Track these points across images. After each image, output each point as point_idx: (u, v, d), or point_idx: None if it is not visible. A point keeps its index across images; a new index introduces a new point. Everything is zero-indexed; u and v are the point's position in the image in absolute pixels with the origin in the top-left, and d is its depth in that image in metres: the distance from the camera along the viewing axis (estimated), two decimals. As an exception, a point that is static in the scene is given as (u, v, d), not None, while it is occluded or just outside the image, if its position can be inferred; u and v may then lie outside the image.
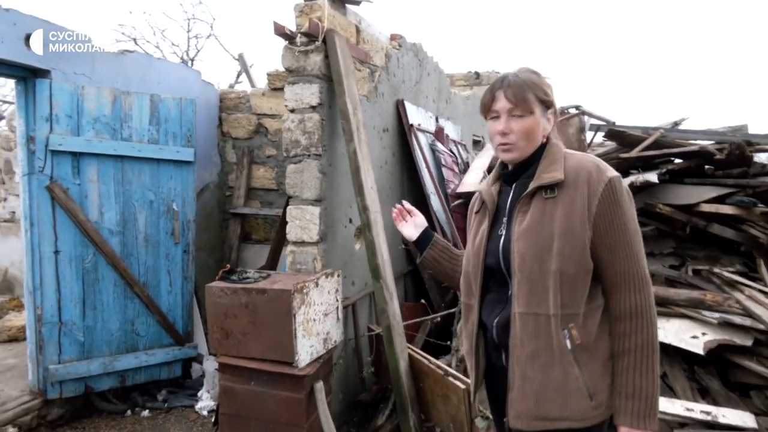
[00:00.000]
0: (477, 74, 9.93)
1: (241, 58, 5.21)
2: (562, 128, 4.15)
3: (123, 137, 3.44)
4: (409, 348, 3.00)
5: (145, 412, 3.51)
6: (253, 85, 5.37)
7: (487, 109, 1.47)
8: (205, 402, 3.53)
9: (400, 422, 2.86)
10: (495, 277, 1.49)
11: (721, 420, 2.77)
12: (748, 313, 2.97)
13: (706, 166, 4.08)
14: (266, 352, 2.57)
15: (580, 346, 1.34)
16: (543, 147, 1.47)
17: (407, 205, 1.87)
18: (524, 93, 1.41)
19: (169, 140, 3.64)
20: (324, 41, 2.89)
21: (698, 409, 2.76)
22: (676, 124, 4.65)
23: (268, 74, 4.69)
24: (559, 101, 1.52)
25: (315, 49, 2.86)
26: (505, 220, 1.48)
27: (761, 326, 2.87)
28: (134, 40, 11.18)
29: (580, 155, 1.45)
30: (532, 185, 1.41)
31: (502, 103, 1.42)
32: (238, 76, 13.33)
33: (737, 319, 2.98)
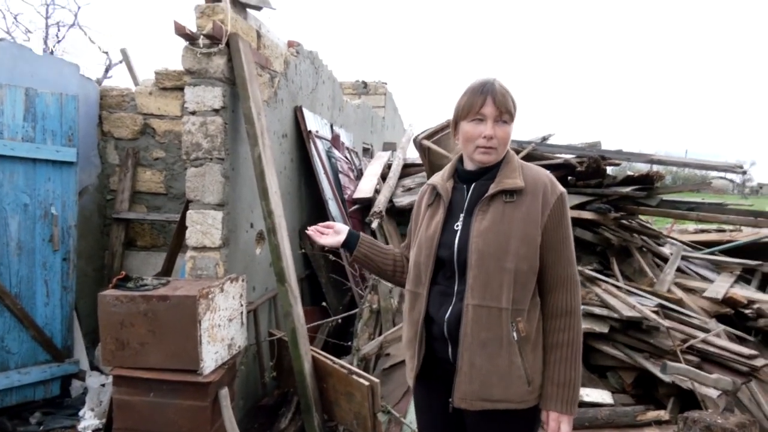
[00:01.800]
0: (365, 83, 10.20)
1: (123, 54, 4.89)
2: (450, 139, 4.47)
3: (-9, 134, 3.11)
4: (312, 350, 3.07)
5: (17, 438, 3.18)
6: (136, 82, 5.06)
7: (474, 111, 1.51)
8: (89, 421, 3.28)
9: (304, 423, 2.92)
10: (444, 269, 1.58)
11: (585, 398, 3.19)
12: (605, 305, 3.45)
13: (569, 177, 4.65)
14: (167, 361, 2.49)
15: (524, 338, 1.48)
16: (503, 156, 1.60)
17: (320, 225, 1.87)
18: (509, 102, 1.52)
19: (48, 139, 3.34)
20: (227, 44, 2.87)
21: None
22: (544, 138, 5.21)
23: (157, 73, 4.47)
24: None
25: (218, 51, 2.83)
26: (462, 216, 1.57)
27: (615, 315, 3.35)
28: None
29: (534, 167, 1.59)
30: (493, 188, 1.52)
31: (490, 109, 1.50)
32: (106, 71, 12.30)
33: (596, 310, 3.45)
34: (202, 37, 2.80)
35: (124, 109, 4.55)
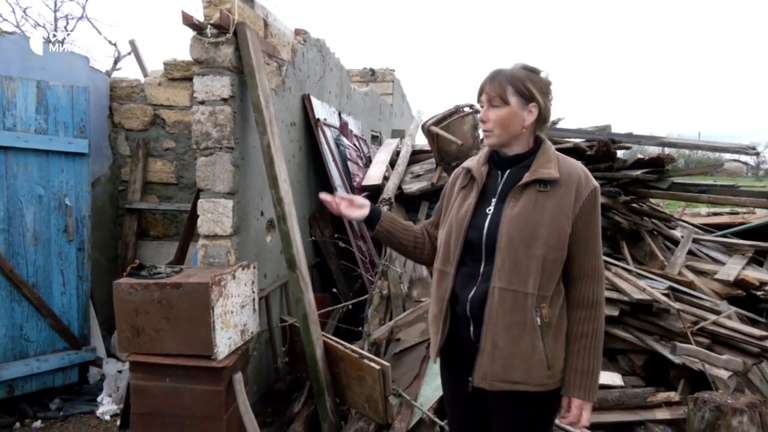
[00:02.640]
0: (372, 71, 10.16)
1: (132, 45, 4.92)
2: (458, 125, 4.47)
3: (6, 126, 3.15)
4: (323, 335, 3.11)
5: (38, 423, 3.27)
6: (145, 74, 5.10)
7: (477, 98, 1.63)
8: (107, 406, 3.36)
9: (317, 407, 2.97)
10: (472, 251, 1.61)
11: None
12: (615, 288, 3.46)
13: (579, 161, 4.61)
14: (182, 347, 2.54)
15: (547, 324, 1.52)
16: (539, 145, 1.62)
17: (340, 197, 1.83)
18: (503, 86, 1.56)
19: (60, 130, 3.39)
20: (235, 34, 2.88)
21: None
22: (554, 123, 5.18)
23: (165, 63, 4.50)
24: (555, 97, 1.66)
25: (226, 41, 2.84)
26: (494, 200, 1.61)
27: (626, 298, 3.35)
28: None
29: (570, 160, 1.62)
30: (527, 176, 1.55)
31: (484, 95, 1.59)
32: (115, 63, 12.34)
33: (607, 294, 3.45)
34: (209, 26, 2.81)
35: (134, 100, 4.59)
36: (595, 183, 1.58)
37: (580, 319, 1.56)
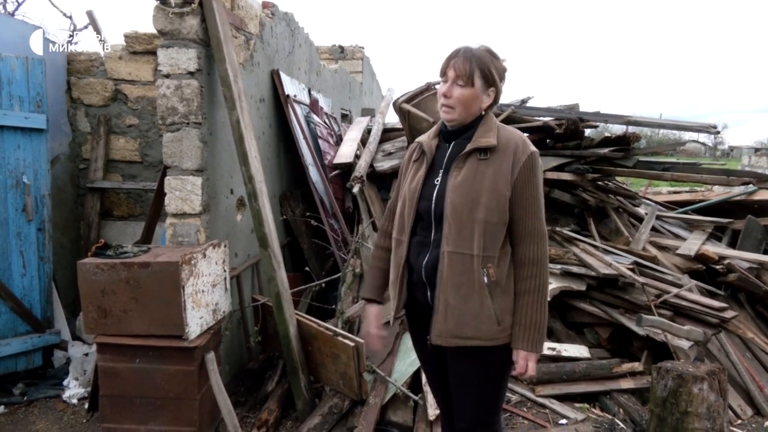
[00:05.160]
0: (341, 48, 10.00)
1: (90, 15, 4.67)
2: (430, 102, 4.45)
3: (-46, 100, 2.97)
4: (296, 314, 3.09)
5: (0, 408, 3.16)
6: (104, 47, 4.87)
7: (441, 72, 1.69)
8: (74, 390, 3.28)
9: (291, 385, 2.97)
10: (423, 221, 1.74)
11: (563, 353, 3.30)
12: (582, 263, 3.54)
13: (548, 140, 4.68)
14: (152, 327, 2.48)
15: (494, 283, 1.63)
16: (480, 117, 1.72)
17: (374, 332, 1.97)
18: (471, 66, 1.63)
19: (15, 105, 3.21)
20: (200, 4, 2.77)
21: (546, 347, 3.25)
22: (523, 102, 5.22)
23: (126, 36, 4.30)
24: (508, 83, 1.78)
25: (191, 11, 2.73)
26: (441, 172, 1.72)
27: (593, 273, 3.44)
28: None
29: (510, 129, 1.73)
30: (469, 146, 1.66)
31: (451, 71, 1.65)
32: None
33: (574, 269, 3.54)
34: (173, -5, 2.69)
35: (93, 74, 4.39)
36: (533, 148, 1.68)
37: (524, 276, 1.66)
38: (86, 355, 3.48)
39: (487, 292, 1.63)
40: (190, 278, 2.47)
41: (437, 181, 1.71)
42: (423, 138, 1.83)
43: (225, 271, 2.81)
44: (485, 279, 1.62)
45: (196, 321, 2.52)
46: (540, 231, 1.67)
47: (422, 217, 1.73)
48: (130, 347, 2.50)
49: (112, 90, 4.39)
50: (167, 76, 2.79)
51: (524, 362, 1.66)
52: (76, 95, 4.40)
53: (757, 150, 22.20)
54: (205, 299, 2.60)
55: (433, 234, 1.69)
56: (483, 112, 1.72)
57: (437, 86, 4.61)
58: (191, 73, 2.77)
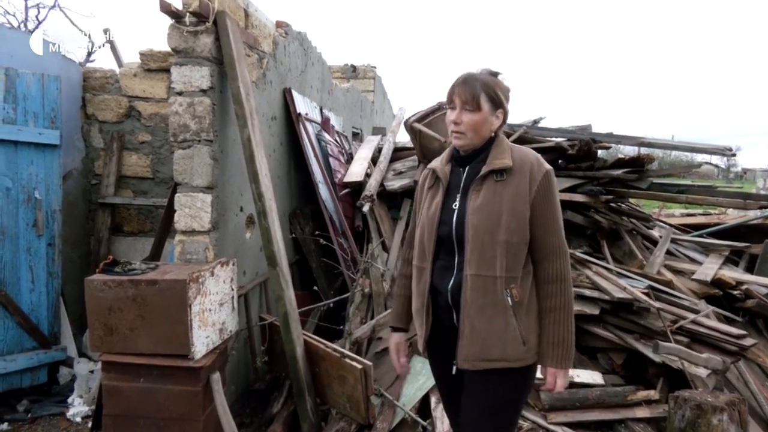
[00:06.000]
0: (353, 67, 10.08)
1: (107, 34, 4.77)
2: (441, 122, 4.44)
3: (-30, 115, 3.00)
4: (304, 334, 3.05)
5: (4, 425, 3.13)
6: (120, 64, 4.94)
7: (448, 99, 1.72)
8: (78, 408, 3.24)
9: (297, 407, 2.91)
10: (445, 246, 1.73)
11: (576, 379, 3.21)
12: (595, 287, 3.47)
13: (560, 160, 4.64)
14: (158, 346, 2.45)
15: (518, 303, 1.64)
16: (492, 139, 1.74)
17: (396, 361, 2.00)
18: (476, 92, 1.66)
19: (30, 121, 3.24)
20: (214, 23, 2.80)
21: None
22: (535, 122, 5.19)
23: (141, 54, 4.36)
24: (512, 101, 1.80)
25: (205, 30, 2.75)
26: (458, 196, 1.73)
27: (606, 297, 3.36)
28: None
29: (523, 149, 1.74)
30: (485, 169, 1.68)
31: (457, 98, 1.68)
32: (89, 55, 12.00)
33: (587, 292, 3.46)
34: (188, 14, 2.72)
35: (108, 91, 4.45)
36: (548, 167, 1.70)
37: (549, 293, 1.67)
38: (92, 372, 3.45)
39: (512, 312, 1.63)
40: (197, 297, 2.44)
41: (455, 205, 1.72)
42: (435, 164, 1.84)
43: (233, 289, 2.78)
44: (509, 300, 1.62)
45: (203, 340, 2.49)
46: (561, 248, 1.68)
47: (444, 242, 1.73)
48: (135, 366, 2.47)
49: (126, 107, 4.43)
50: (180, 93, 2.80)
51: (553, 379, 1.67)
52: (91, 111, 4.45)
53: (771, 172, 21.97)
54: (211, 318, 2.57)
55: (456, 258, 1.69)
56: (493, 134, 1.74)
57: (445, 107, 4.62)
58: (204, 91, 2.78)
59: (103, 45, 6.09)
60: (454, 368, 1.70)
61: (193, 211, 2.83)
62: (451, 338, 1.72)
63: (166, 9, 2.68)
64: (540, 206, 1.65)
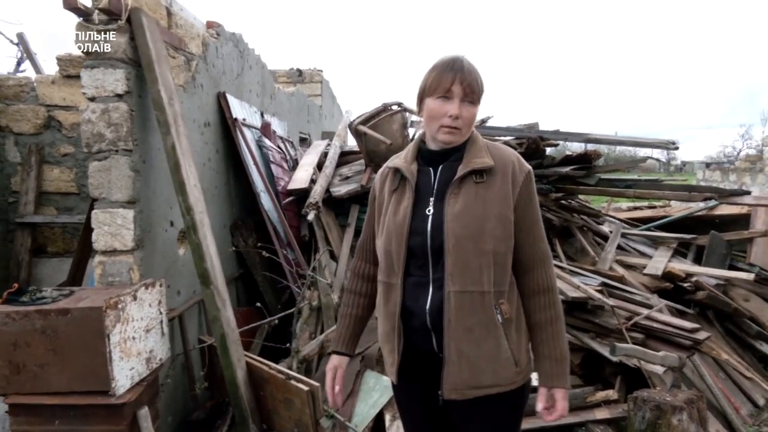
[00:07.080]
0: (299, 71, 9.86)
1: (21, 38, 4.37)
2: (387, 124, 4.29)
3: None
4: (246, 355, 2.82)
5: None
6: (38, 71, 4.56)
7: (442, 88, 1.42)
8: (-8, 455, 2.89)
9: (240, 436, 2.67)
10: (416, 258, 1.48)
11: (534, 383, 3.11)
12: (550, 286, 3.38)
13: (510, 159, 4.55)
14: (73, 383, 2.18)
15: (507, 320, 1.44)
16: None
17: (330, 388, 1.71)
18: (480, 81, 1.45)
19: None
20: (129, 21, 2.54)
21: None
22: (483, 121, 5.12)
23: (59, 59, 4.01)
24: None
25: (118, 29, 2.50)
26: (431, 200, 1.48)
27: (562, 297, 3.28)
28: None
29: (500, 146, 1.53)
30: (462, 169, 1.45)
31: (458, 88, 1.41)
32: (18, 65, 11.28)
33: (542, 293, 3.37)
34: (97, 11, 2.45)
35: (23, 100, 4.08)
36: (528, 166, 1.53)
37: (541, 306, 1.49)
38: (7, 413, 3.08)
39: (502, 331, 1.43)
40: (116, 325, 2.18)
41: (428, 211, 1.47)
42: (398, 162, 1.56)
43: (161, 313, 2.52)
44: (499, 317, 1.43)
45: (126, 373, 2.22)
46: (547, 254, 1.52)
47: (415, 254, 1.47)
48: (48, 407, 2.18)
49: (45, 117, 4.08)
50: (92, 99, 2.53)
51: (563, 402, 1.48)
52: (5, 123, 4.07)
53: (708, 165, 23.06)
54: (136, 347, 2.31)
55: (431, 272, 1.46)
56: None
57: (394, 107, 4.48)
58: (119, 96, 2.52)
59: (21, 53, 5.64)
60: (441, 399, 1.47)
61: (113, 228, 2.55)
62: (429, 365, 1.49)
63: (71, 6, 2.40)
64: (524, 210, 1.46)
